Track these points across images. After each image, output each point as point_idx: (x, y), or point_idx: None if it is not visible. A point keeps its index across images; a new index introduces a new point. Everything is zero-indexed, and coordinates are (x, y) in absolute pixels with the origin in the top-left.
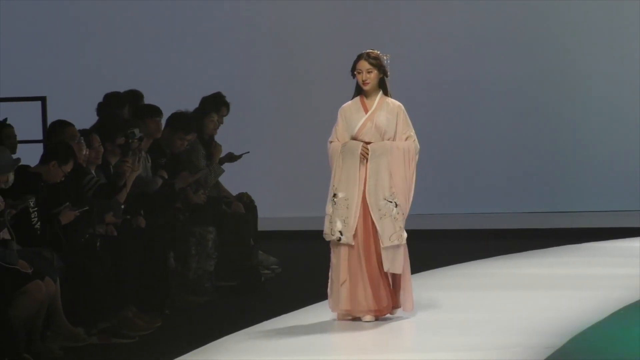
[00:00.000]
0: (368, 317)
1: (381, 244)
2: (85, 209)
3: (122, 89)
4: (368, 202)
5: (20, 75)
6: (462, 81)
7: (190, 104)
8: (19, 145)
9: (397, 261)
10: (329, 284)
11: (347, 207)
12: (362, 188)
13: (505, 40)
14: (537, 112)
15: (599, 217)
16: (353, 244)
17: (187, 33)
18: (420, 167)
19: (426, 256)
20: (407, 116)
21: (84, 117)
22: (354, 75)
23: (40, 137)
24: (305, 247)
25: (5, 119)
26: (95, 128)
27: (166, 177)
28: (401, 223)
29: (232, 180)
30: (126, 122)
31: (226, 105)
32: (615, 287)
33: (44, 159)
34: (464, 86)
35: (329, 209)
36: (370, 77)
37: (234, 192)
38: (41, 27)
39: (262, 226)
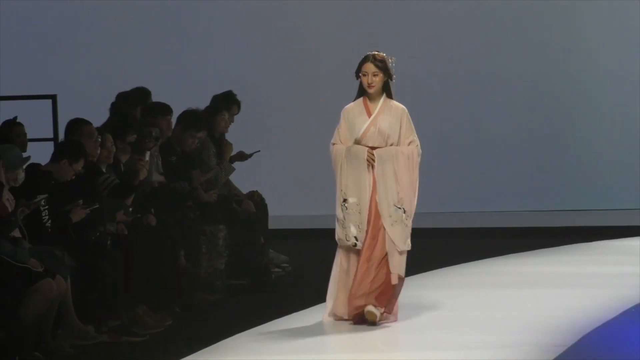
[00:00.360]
0: (370, 308)
1: (397, 249)
2: (95, 206)
3: (132, 87)
4: (379, 208)
5: (30, 73)
6: (470, 79)
7: (201, 103)
8: (30, 144)
9: (401, 266)
10: (335, 286)
11: (360, 212)
12: (370, 193)
13: (513, 38)
14: (548, 110)
15: (609, 215)
16: (362, 248)
17: (197, 32)
18: (430, 164)
19: (435, 254)
20: (411, 120)
21: (95, 115)
22: (358, 77)
23: (50, 135)
24: (316, 245)
25: (15, 117)
26: (106, 126)
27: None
28: (409, 229)
29: (242, 178)
30: (138, 120)
31: (237, 103)
32: (626, 285)
33: (55, 157)
34: (473, 84)
35: (339, 213)
36: (375, 80)
37: (245, 191)
38: (52, 25)
39: (272, 224)
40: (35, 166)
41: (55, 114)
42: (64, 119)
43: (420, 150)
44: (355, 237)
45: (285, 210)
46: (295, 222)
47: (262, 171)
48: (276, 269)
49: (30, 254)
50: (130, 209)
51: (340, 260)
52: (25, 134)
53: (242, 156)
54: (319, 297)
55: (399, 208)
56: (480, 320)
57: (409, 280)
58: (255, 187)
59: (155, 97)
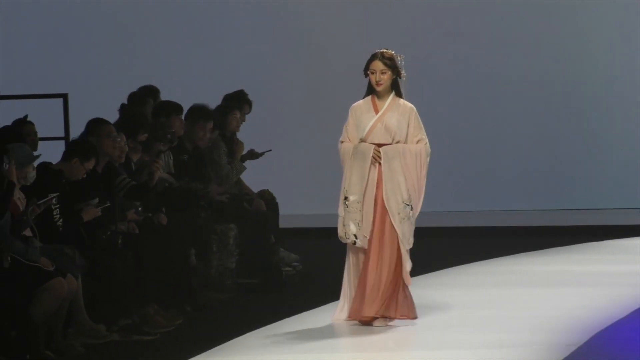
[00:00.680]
0: (379, 322)
1: (402, 247)
2: (107, 205)
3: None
4: (387, 206)
5: (41, 72)
6: (479, 78)
7: (212, 102)
8: (41, 142)
9: (406, 263)
10: (345, 286)
11: (360, 210)
12: (374, 191)
13: (523, 36)
14: (559, 108)
15: (619, 214)
16: (366, 247)
17: (209, 31)
18: (439, 163)
19: (447, 253)
20: (419, 119)
21: (106, 114)
22: (366, 75)
23: (62, 134)
24: (327, 244)
25: (26, 116)
26: (116, 126)
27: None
28: (414, 227)
29: (253, 177)
30: (148, 119)
31: (249, 103)
32: (636, 284)
33: (66, 156)
34: (483, 84)
35: (341, 211)
36: (384, 78)
37: (256, 190)
38: (63, 24)
39: (283, 223)
40: (46, 165)
41: (66, 112)
42: (75, 117)
43: (430, 149)
44: (355, 235)
45: (296, 209)
46: (306, 221)
47: (273, 170)
48: (287, 268)
49: (41, 252)
50: (140, 208)
51: (348, 262)
52: (35, 133)
53: (253, 155)
54: (330, 296)
55: (407, 205)
56: (489, 320)
57: (417, 280)
58: (266, 186)
59: (167, 97)
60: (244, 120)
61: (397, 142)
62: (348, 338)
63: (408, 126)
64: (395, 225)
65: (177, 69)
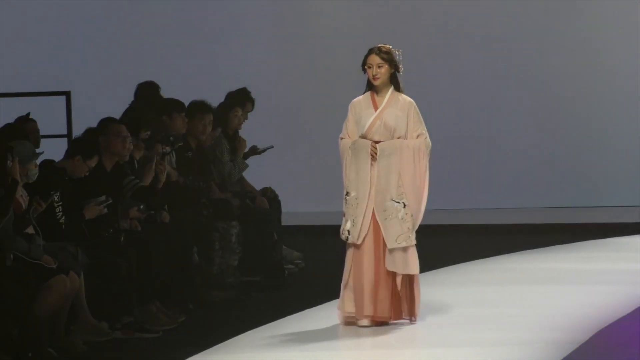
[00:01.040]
0: (365, 322)
1: (388, 245)
2: (109, 201)
3: None
4: (374, 202)
5: (44, 69)
6: (485, 75)
7: (215, 100)
8: (43, 140)
9: (407, 263)
10: (342, 286)
11: (357, 207)
12: (370, 187)
13: (524, 34)
14: (562, 107)
15: (623, 212)
16: (358, 243)
17: (211, 29)
18: (444, 161)
19: (448, 251)
20: (419, 113)
21: (108, 112)
22: (364, 70)
23: (64, 131)
24: (329, 242)
25: (28, 114)
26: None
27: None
28: (410, 224)
29: (256, 175)
30: (150, 116)
31: (251, 100)
32: (639, 282)
33: (69, 154)
34: (487, 82)
35: (343, 206)
36: (380, 72)
37: (258, 187)
38: (66, 22)
39: (285, 221)
40: (49, 163)
41: (69, 110)
42: (77, 115)
43: (430, 143)
44: (348, 231)
45: (298, 206)
46: (309, 219)
47: (275, 168)
48: (289, 266)
49: (44, 250)
50: (142, 206)
51: (347, 261)
52: (38, 130)
53: (254, 151)
54: (333, 293)
55: (397, 202)
56: (493, 318)
57: (421, 277)
58: (269, 183)
59: (170, 95)
60: (246, 118)
61: (398, 138)
62: (350, 335)
63: (408, 121)
64: (380, 223)
65: (180, 67)
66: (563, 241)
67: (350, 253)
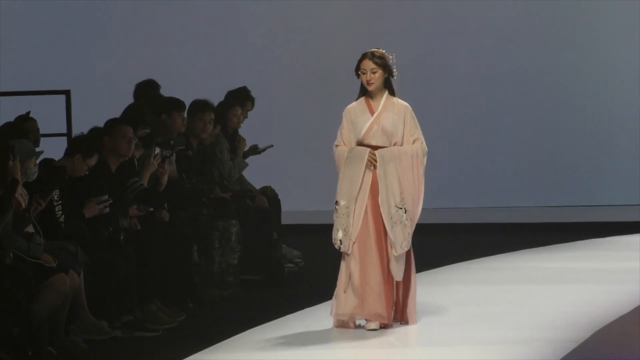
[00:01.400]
0: (373, 325)
1: (394, 252)
2: (109, 201)
3: None
4: (381, 210)
5: (44, 68)
6: (483, 74)
7: (215, 99)
8: (43, 139)
9: (402, 270)
10: (335, 290)
11: (348, 215)
12: (367, 195)
13: (523, 32)
14: (562, 106)
15: (623, 211)
16: (349, 252)
17: (211, 28)
18: (443, 160)
19: (448, 250)
20: (415, 117)
21: (108, 111)
22: (358, 76)
23: (64, 130)
24: (329, 240)
25: (28, 112)
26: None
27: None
28: (410, 229)
29: (256, 173)
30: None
31: (251, 99)
32: (639, 281)
33: (69, 153)
34: (486, 80)
35: (334, 216)
36: (374, 77)
37: (258, 186)
38: (65, 21)
39: (285, 220)
40: (48, 161)
41: (68, 109)
42: (77, 114)
43: (426, 148)
44: (340, 241)
45: (298, 205)
46: (309, 218)
47: (275, 167)
48: (289, 265)
49: (43, 249)
50: (142, 204)
51: (342, 264)
52: (38, 129)
53: (254, 150)
54: (332, 292)
55: (400, 208)
56: (493, 316)
57: (421, 276)
58: (269, 182)
59: (169, 94)
60: (246, 117)
61: (394, 143)
62: (350, 334)
63: (404, 126)
64: (388, 231)
65: (180, 66)
66: (563, 240)
67: (348, 260)
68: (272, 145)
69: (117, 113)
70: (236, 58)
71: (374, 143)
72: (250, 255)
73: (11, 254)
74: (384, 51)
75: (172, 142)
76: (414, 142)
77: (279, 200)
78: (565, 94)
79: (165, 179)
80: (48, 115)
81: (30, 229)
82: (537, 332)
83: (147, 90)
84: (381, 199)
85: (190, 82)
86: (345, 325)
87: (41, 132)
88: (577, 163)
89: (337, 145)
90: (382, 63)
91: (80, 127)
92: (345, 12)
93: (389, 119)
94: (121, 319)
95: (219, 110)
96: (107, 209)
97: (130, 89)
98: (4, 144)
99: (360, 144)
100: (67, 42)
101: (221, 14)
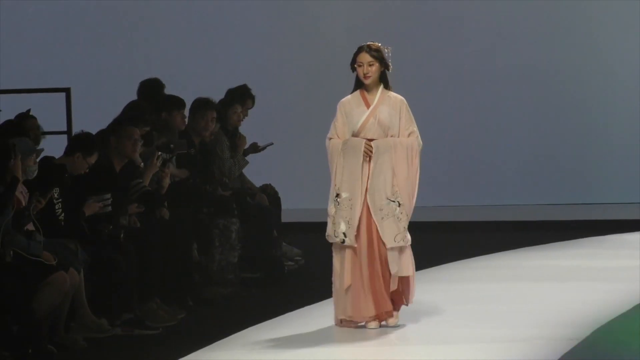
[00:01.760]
0: (373, 325)
1: (386, 245)
2: (108, 198)
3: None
4: (369, 201)
5: (44, 66)
6: (484, 73)
7: (216, 97)
8: (43, 137)
9: (404, 263)
10: (333, 290)
11: (351, 208)
12: (365, 187)
13: (524, 30)
14: (562, 104)
15: (622, 209)
16: (356, 245)
17: (212, 26)
18: (445, 158)
19: (446, 248)
20: (410, 111)
21: (108, 109)
22: (354, 69)
23: (64, 128)
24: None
25: (29, 110)
26: (117, 120)
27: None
28: (405, 223)
29: (256, 172)
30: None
31: (251, 98)
32: (639, 279)
33: (69, 151)
34: (485, 77)
35: (331, 209)
36: (371, 70)
37: (258, 184)
38: (65, 18)
39: (285, 218)
40: (49, 159)
41: (69, 107)
42: (77, 112)
43: (421, 141)
44: (344, 234)
45: (298, 203)
46: (309, 216)
47: (275, 165)
48: (289, 263)
49: (43, 247)
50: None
51: (335, 266)
52: (38, 127)
53: (255, 148)
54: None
55: (393, 201)
56: (492, 314)
57: (420, 274)
58: (269, 180)
59: (169, 92)
60: (246, 115)
61: (391, 136)
62: (351, 332)
63: (400, 119)
64: (377, 223)
65: (180, 64)
66: (563, 238)
67: (344, 256)
68: (272, 144)
69: (117, 111)
70: (237, 56)
71: (369, 136)
72: (251, 253)
73: (11, 252)
74: (380, 44)
75: (172, 145)
76: (409, 135)
77: (279, 198)
78: (564, 91)
79: (166, 182)
80: (48, 113)
81: (30, 226)
82: (537, 330)
83: (151, 89)
84: (371, 191)
85: (190, 80)
86: (346, 325)
87: (41, 130)
88: (576, 161)
89: (330, 138)
90: (379, 56)
91: (81, 125)
92: (345, 10)
93: (385, 112)
94: (121, 316)
95: (219, 108)
96: (109, 208)
97: (130, 87)
98: (4, 142)
99: (355, 136)
100: (67, 40)
101: (221, 12)
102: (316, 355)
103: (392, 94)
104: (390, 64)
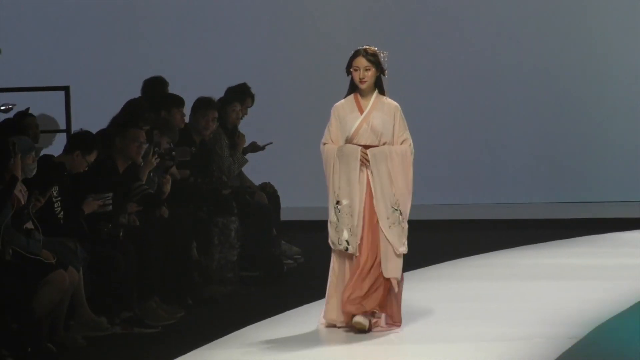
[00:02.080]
0: (358, 319)
1: (395, 251)
2: (107, 197)
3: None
4: (377, 210)
5: (43, 64)
6: (485, 72)
7: (216, 95)
8: (42, 135)
9: (399, 268)
10: (327, 291)
11: (352, 215)
12: (364, 195)
13: (524, 30)
14: (563, 102)
15: (621, 207)
16: (358, 254)
17: (212, 24)
18: (442, 157)
19: (449, 246)
20: (404, 118)
21: (107, 107)
22: (349, 73)
23: (63, 126)
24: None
25: (27, 109)
26: (117, 119)
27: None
28: (406, 231)
29: (255, 170)
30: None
31: (251, 96)
32: (638, 277)
33: (68, 149)
34: (486, 75)
35: (333, 216)
36: (367, 75)
37: (257, 182)
38: (65, 17)
39: (284, 216)
40: (48, 158)
41: (68, 105)
42: (77, 110)
43: (413, 149)
44: (347, 241)
45: (297, 202)
46: (308, 214)
47: (274, 163)
48: (288, 261)
49: (43, 245)
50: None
51: (333, 264)
52: (37, 126)
53: (254, 148)
54: None
55: (396, 210)
56: (491, 313)
57: (420, 273)
58: (268, 178)
59: (169, 90)
60: (245, 114)
61: (384, 143)
62: (350, 331)
63: (393, 126)
64: (384, 231)
65: (179, 62)
66: (562, 236)
67: (345, 261)
68: (272, 142)
69: (116, 109)
70: (237, 55)
71: (362, 142)
72: (250, 251)
73: (10, 251)
74: (376, 49)
75: (174, 153)
76: (402, 142)
77: (278, 197)
78: (563, 90)
79: (168, 187)
80: (47, 112)
81: (29, 225)
82: (536, 328)
83: (155, 86)
84: (376, 200)
85: (190, 79)
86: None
87: (40, 128)
88: (575, 159)
89: (324, 143)
90: (375, 61)
91: (80, 123)
92: (345, 10)
93: (379, 118)
94: (120, 315)
95: (218, 106)
96: (110, 207)
97: (130, 86)
98: (3, 140)
99: (349, 142)
100: (67, 39)
101: (221, 10)
102: (315, 354)
103: (387, 99)
104: (386, 68)
